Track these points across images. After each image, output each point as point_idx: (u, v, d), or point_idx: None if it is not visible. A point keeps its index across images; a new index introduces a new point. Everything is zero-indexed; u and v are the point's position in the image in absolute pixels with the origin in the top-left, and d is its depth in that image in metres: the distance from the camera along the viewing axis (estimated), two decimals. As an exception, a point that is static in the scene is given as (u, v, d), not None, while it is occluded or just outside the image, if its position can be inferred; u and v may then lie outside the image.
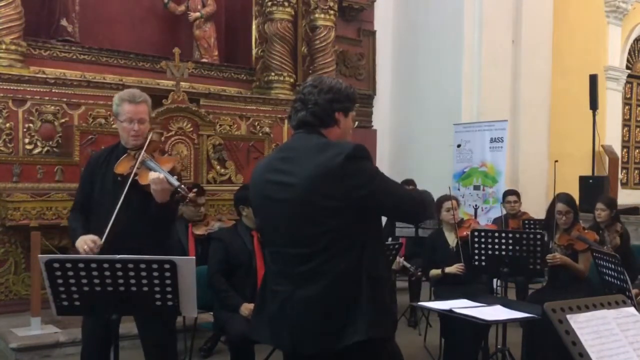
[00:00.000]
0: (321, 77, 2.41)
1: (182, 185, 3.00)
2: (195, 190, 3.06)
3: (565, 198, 4.76)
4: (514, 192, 6.79)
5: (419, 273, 5.35)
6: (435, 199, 5.08)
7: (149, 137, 3.19)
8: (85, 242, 2.96)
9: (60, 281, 2.39)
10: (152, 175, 2.97)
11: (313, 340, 2.23)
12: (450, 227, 4.91)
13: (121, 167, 3.10)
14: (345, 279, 2.20)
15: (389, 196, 2.26)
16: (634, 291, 4.03)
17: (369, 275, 2.21)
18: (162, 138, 5.98)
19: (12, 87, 5.60)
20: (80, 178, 3.41)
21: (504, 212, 6.79)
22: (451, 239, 4.87)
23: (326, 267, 2.20)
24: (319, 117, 2.31)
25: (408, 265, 5.43)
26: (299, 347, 2.26)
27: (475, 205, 7.16)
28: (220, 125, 6.74)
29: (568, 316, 1.63)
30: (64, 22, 6.32)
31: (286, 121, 7.17)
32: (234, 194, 4.35)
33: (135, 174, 3.05)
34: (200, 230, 4.94)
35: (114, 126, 5.21)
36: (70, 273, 2.37)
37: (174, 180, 2.99)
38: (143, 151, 3.08)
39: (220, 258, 4.01)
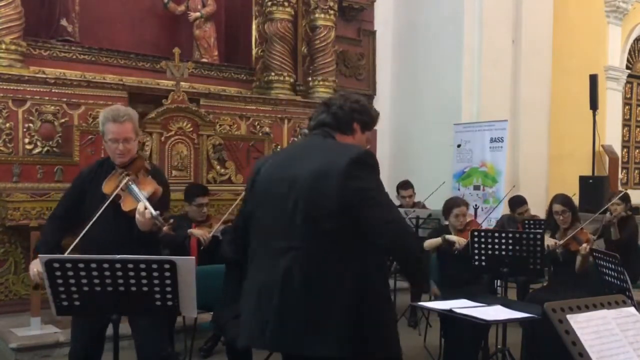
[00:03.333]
0: (352, 93, 2.49)
1: (159, 217, 2.95)
2: (171, 222, 3.04)
3: (560, 199, 4.79)
4: (524, 201, 6.62)
5: None
6: (444, 201, 5.13)
7: (135, 158, 3.18)
8: (37, 266, 2.89)
9: (60, 281, 2.39)
10: (139, 207, 2.96)
11: (289, 341, 2.19)
12: (455, 231, 4.92)
13: (107, 187, 3.11)
14: (324, 281, 2.16)
15: (383, 215, 2.17)
16: None
17: (357, 285, 2.16)
18: (162, 138, 5.99)
19: (12, 87, 5.59)
20: (67, 189, 3.41)
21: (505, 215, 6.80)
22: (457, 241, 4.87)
23: (312, 267, 2.17)
24: (338, 119, 2.37)
25: None
26: (276, 348, 2.25)
27: (476, 205, 7.15)
28: (220, 125, 6.73)
29: (568, 316, 1.63)
30: (64, 22, 6.31)
31: (286, 121, 7.17)
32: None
33: (119, 197, 3.06)
34: (203, 232, 4.92)
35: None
36: (70, 273, 2.37)
37: (152, 210, 2.95)
38: (127, 179, 3.07)
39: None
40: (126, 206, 3.05)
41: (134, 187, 3.07)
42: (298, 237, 2.21)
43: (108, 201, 3.02)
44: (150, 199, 3.02)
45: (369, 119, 2.43)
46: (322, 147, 2.30)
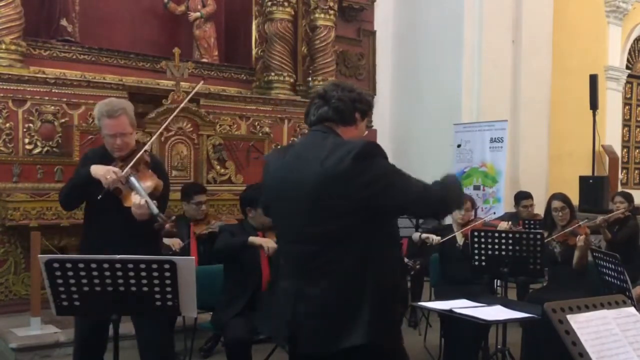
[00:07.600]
0: (341, 81, 2.49)
1: (161, 214, 2.96)
2: (172, 218, 3.04)
3: (559, 196, 4.90)
4: (529, 195, 6.73)
5: (418, 266, 5.57)
6: None
7: (138, 153, 3.17)
8: (108, 172, 2.98)
9: (60, 281, 2.39)
10: (134, 199, 2.97)
11: (311, 339, 2.24)
12: (458, 226, 4.95)
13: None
14: (348, 280, 2.19)
15: (402, 194, 2.24)
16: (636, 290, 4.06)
17: (375, 279, 2.20)
18: (162, 138, 5.98)
19: (12, 87, 5.58)
20: (77, 166, 3.43)
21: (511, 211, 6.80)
22: (459, 237, 4.91)
23: (331, 266, 2.20)
24: (340, 112, 2.33)
25: (407, 260, 5.50)
26: (299, 345, 2.26)
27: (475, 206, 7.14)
28: (220, 125, 6.72)
29: (568, 316, 1.63)
30: (64, 22, 6.30)
31: (286, 121, 7.17)
32: (240, 194, 4.35)
33: (120, 191, 3.06)
34: (201, 229, 4.94)
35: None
36: (70, 273, 2.37)
37: (154, 208, 2.96)
38: (128, 168, 3.07)
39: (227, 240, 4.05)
40: (127, 202, 3.04)
41: (135, 182, 3.06)
42: (316, 241, 2.23)
43: (103, 192, 3.02)
44: (151, 194, 3.03)
45: (367, 107, 2.43)
46: (324, 147, 2.25)
